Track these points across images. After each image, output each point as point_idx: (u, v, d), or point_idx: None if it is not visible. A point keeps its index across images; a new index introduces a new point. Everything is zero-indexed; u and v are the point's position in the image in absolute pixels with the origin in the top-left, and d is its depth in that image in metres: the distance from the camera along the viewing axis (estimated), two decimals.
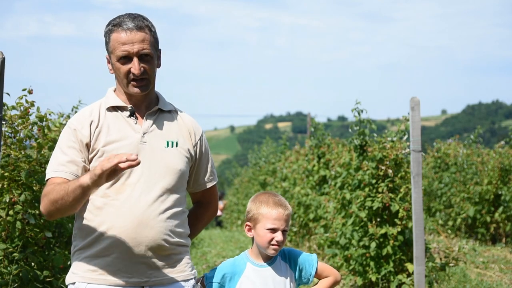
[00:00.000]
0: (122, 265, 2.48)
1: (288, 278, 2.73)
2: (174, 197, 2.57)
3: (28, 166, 4.38)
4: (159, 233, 2.50)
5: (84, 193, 2.34)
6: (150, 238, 2.48)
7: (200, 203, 2.86)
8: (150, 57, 2.55)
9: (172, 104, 2.72)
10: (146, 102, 2.63)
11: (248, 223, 2.72)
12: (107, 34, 2.56)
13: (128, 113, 2.59)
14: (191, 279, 2.63)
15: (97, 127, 2.54)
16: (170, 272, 2.56)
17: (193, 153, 2.68)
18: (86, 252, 2.51)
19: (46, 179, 2.52)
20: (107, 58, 2.61)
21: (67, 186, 2.36)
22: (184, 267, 2.61)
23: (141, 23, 2.55)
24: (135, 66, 2.51)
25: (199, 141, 2.71)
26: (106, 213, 2.48)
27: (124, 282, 2.48)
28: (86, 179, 2.29)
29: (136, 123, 2.58)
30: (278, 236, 2.64)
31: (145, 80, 2.55)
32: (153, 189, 2.51)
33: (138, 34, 2.52)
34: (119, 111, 2.60)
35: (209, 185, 2.81)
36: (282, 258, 2.76)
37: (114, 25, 2.54)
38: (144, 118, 2.60)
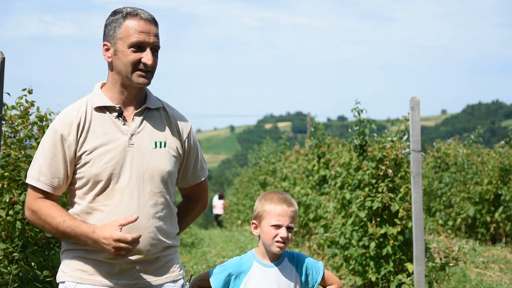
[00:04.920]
0: (112, 268, 2.47)
1: (294, 280, 2.72)
2: (163, 199, 2.55)
3: (28, 166, 4.38)
4: (149, 238, 2.49)
5: (76, 240, 2.49)
6: (140, 243, 2.46)
7: (190, 197, 2.84)
8: (157, 54, 2.55)
9: (160, 100, 2.67)
10: (136, 99, 2.58)
11: (254, 221, 2.73)
12: (117, 20, 2.50)
13: (116, 113, 2.54)
14: (180, 279, 2.63)
15: (83, 129, 2.50)
16: (159, 273, 2.55)
17: (181, 151, 2.64)
18: (76, 252, 2.50)
19: (29, 182, 2.51)
20: (106, 45, 2.53)
21: (61, 223, 2.45)
22: (173, 268, 2.60)
23: (155, 18, 2.55)
24: (149, 57, 2.48)
25: (187, 138, 2.68)
26: (96, 218, 2.47)
27: (114, 284, 2.47)
28: (88, 241, 2.43)
29: (124, 124, 2.53)
30: (282, 232, 2.63)
31: (150, 73, 2.52)
32: (142, 193, 2.50)
33: (154, 27, 2.51)
34: (107, 112, 2.54)
35: (197, 180, 2.78)
36: (289, 260, 2.76)
37: (128, 13, 2.50)
38: (132, 118, 2.55)
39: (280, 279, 2.69)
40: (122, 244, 2.36)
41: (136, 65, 2.48)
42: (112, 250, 2.37)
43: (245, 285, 2.68)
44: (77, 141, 2.49)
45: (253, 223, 2.74)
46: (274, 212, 2.65)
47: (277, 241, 2.64)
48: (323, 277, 2.79)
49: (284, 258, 2.74)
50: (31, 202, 2.51)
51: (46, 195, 2.51)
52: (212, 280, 2.70)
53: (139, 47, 2.48)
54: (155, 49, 2.52)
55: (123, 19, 2.49)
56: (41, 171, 2.49)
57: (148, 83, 2.54)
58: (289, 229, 2.66)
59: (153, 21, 2.52)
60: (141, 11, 2.52)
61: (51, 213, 2.47)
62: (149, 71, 2.51)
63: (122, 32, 2.48)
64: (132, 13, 2.50)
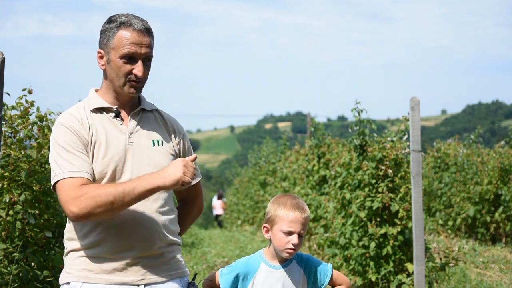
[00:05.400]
0: (118, 265, 2.49)
1: (300, 283, 2.73)
2: (164, 195, 2.59)
3: (28, 166, 4.38)
4: (153, 232, 2.52)
5: (150, 194, 2.42)
6: (145, 238, 2.50)
7: (186, 201, 2.88)
8: (150, 62, 2.59)
9: (153, 104, 2.74)
10: (131, 103, 2.64)
11: (265, 224, 2.73)
12: (111, 30, 2.53)
13: (113, 114, 2.59)
14: (185, 276, 2.65)
15: (86, 126, 2.53)
16: (164, 270, 2.57)
17: (177, 151, 2.70)
18: (80, 252, 2.52)
19: (61, 178, 2.39)
20: (100, 53, 2.58)
21: (123, 188, 2.35)
22: (178, 264, 2.62)
23: (149, 27, 2.57)
24: (139, 68, 2.52)
25: (182, 139, 2.74)
26: None
27: (120, 281, 2.49)
28: (158, 182, 2.37)
29: (121, 124, 2.58)
30: (294, 239, 2.64)
31: (141, 83, 2.57)
32: None
33: (146, 38, 2.54)
34: (104, 112, 2.59)
35: (193, 182, 2.79)
36: (298, 262, 2.76)
37: (122, 22, 2.53)
38: (129, 118, 2.61)
39: (286, 281, 2.70)
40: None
41: (127, 76, 2.53)
42: (190, 173, 2.40)
43: (252, 286, 2.70)
44: (87, 136, 2.51)
45: (264, 227, 2.75)
46: (286, 219, 2.65)
47: (288, 248, 2.66)
48: (332, 277, 2.81)
49: (292, 260, 2.75)
50: (75, 192, 2.36)
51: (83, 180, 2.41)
52: (221, 281, 2.72)
53: (130, 58, 2.52)
54: (147, 59, 2.56)
55: (116, 29, 2.53)
56: (72, 163, 2.42)
57: (139, 93, 2.60)
58: (300, 235, 2.66)
59: (146, 32, 2.54)
60: (136, 20, 2.54)
61: (104, 186, 2.38)
62: (140, 81, 2.56)
63: (115, 43, 2.52)
64: (126, 23, 2.52)
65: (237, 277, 2.70)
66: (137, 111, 2.63)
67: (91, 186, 2.37)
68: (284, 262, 2.73)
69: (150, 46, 2.55)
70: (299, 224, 2.64)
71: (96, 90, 2.66)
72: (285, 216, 2.65)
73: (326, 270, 2.79)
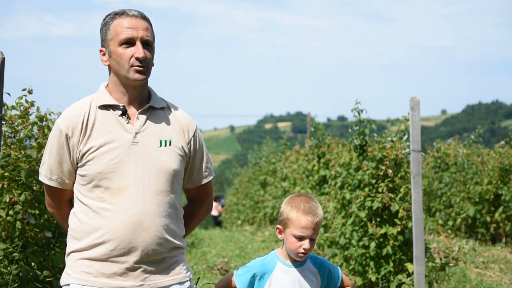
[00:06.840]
0: (118, 269, 2.46)
1: (315, 282, 2.76)
2: (169, 198, 2.53)
3: (28, 166, 4.38)
4: (154, 237, 2.47)
5: None
6: (146, 242, 2.46)
7: (194, 200, 2.81)
8: (151, 47, 2.54)
9: (165, 100, 2.67)
10: (139, 99, 2.57)
11: (278, 226, 2.74)
12: (107, 23, 2.54)
13: (120, 112, 2.53)
14: (187, 281, 2.60)
15: (86, 128, 2.50)
16: (165, 275, 2.53)
17: (187, 151, 2.62)
18: (81, 254, 2.49)
19: (40, 179, 2.64)
20: (101, 51, 2.56)
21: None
22: (179, 269, 2.58)
23: (144, 14, 2.56)
24: (139, 50, 2.48)
25: (192, 138, 2.66)
26: (101, 217, 2.46)
27: (118, 286, 2.46)
28: None
29: (128, 123, 2.52)
30: (305, 244, 2.66)
31: (145, 67, 2.51)
32: (147, 192, 2.48)
33: (143, 22, 2.52)
34: (111, 110, 2.54)
35: (203, 181, 2.75)
36: (312, 262, 2.79)
37: (116, 13, 2.53)
38: (136, 117, 2.54)
39: (302, 280, 2.72)
40: None
41: (129, 62, 2.49)
42: None
43: (269, 285, 2.71)
44: (80, 141, 2.51)
45: (277, 228, 2.75)
46: (298, 224, 2.65)
47: (299, 252, 2.67)
48: (342, 280, 2.85)
49: (307, 260, 2.77)
50: (49, 200, 2.70)
51: (61, 190, 2.61)
52: (237, 282, 2.73)
53: (129, 43, 2.49)
54: (147, 43, 2.52)
55: (111, 20, 2.53)
56: (52, 170, 2.57)
57: (145, 79, 2.54)
58: (312, 240, 2.67)
59: (140, 16, 2.53)
60: (129, 10, 2.55)
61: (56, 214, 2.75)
62: (144, 66, 2.51)
63: (112, 33, 2.52)
64: (119, 13, 2.54)
65: (253, 277, 2.72)
66: (145, 109, 2.56)
67: (50, 206, 2.72)
68: (298, 262, 2.75)
69: (147, 29, 2.52)
70: (310, 230, 2.65)
71: (107, 85, 2.62)
72: (297, 221, 2.65)
73: (337, 273, 2.83)
